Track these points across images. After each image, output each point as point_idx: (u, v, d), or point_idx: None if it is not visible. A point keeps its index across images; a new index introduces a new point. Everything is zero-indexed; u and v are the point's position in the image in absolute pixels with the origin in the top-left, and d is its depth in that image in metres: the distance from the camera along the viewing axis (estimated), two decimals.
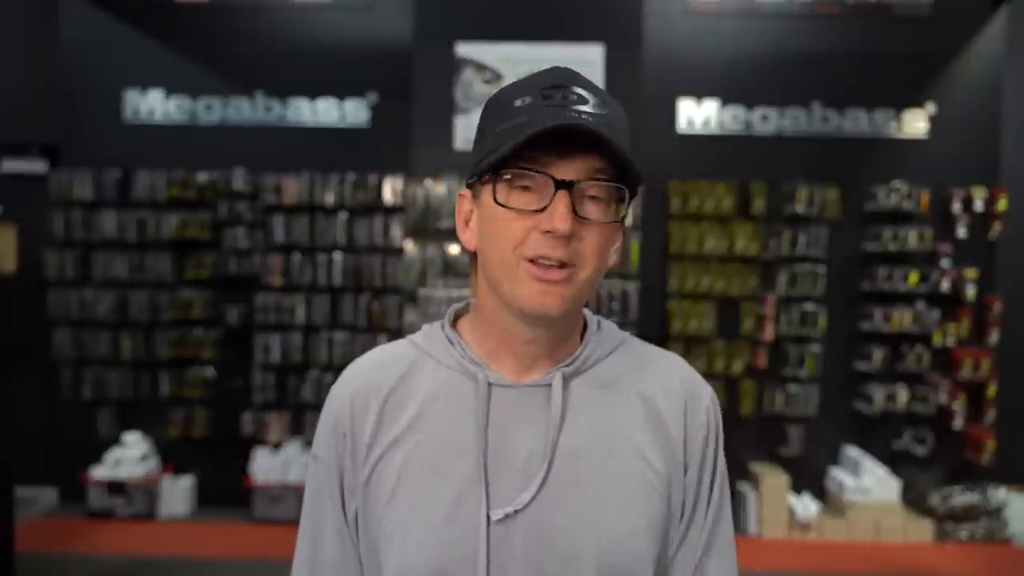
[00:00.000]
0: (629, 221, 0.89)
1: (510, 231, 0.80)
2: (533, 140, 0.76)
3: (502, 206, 0.80)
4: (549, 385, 0.86)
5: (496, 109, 0.84)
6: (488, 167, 0.80)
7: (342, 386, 0.90)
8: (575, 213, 0.78)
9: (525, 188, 0.79)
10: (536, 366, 0.87)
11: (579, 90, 0.80)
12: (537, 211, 0.78)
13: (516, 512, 0.81)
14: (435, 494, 0.82)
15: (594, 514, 0.82)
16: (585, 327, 0.93)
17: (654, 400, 0.88)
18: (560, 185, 0.77)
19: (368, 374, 0.89)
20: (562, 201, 0.77)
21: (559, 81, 0.81)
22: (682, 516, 0.87)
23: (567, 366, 0.87)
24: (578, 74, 0.84)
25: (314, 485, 0.90)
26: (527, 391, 0.86)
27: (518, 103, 0.81)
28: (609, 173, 0.79)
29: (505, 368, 0.87)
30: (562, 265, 0.79)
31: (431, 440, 0.84)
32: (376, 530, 0.84)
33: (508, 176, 0.79)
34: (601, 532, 0.81)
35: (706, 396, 0.91)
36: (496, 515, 0.81)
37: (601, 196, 0.80)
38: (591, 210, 0.80)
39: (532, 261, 0.79)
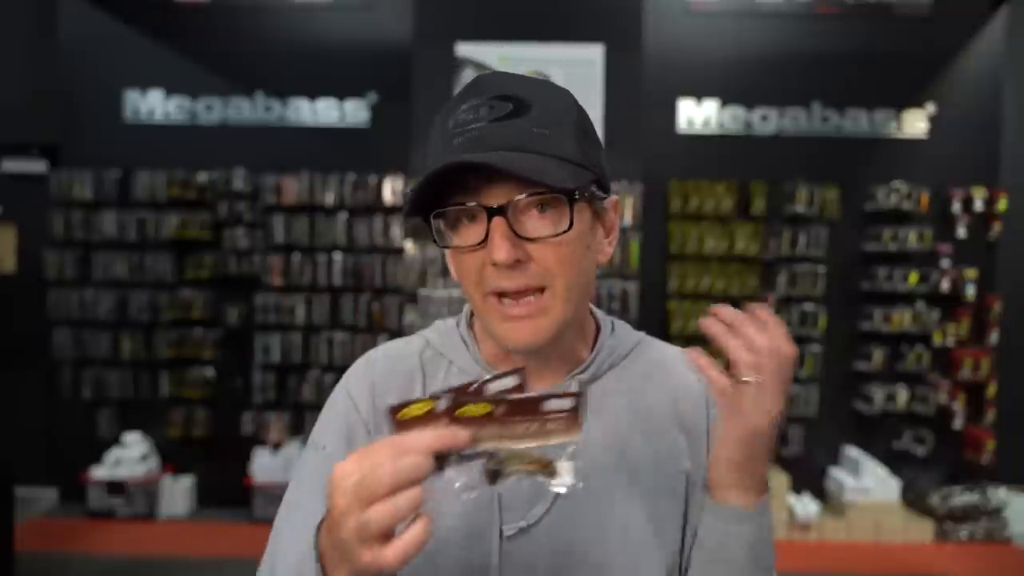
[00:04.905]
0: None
1: (466, 268, 0.76)
2: (452, 170, 0.70)
3: (444, 247, 0.76)
4: None
5: (433, 135, 0.78)
6: (412, 212, 0.75)
7: (360, 375, 0.87)
8: (518, 235, 0.72)
9: (470, 215, 0.74)
10: (547, 375, 0.83)
11: (500, 101, 0.73)
12: (482, 243, 0.73)
13: (530, 526, 0.78)
14: (444, 506, 0.76)
15: (616, 523, 0.79)
16: (598, 330, 0.89)
17: (673, 401, 0.85)
18: (492, 212, 0.71)
19: (384, 368, 0.87)
20: (498, 230, 0.71)
21: (481, 93, 0.75)
22: None
23: (581, 373, 0.84)
24: (503, 80, 0.77)
25: (314, 475, 0.83)
26: None
27: (450, 124, 0.75)
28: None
29: None
30: (528, 290, 0.74)
31: None
32: None
33: (439, 216, 0.75)
34: (626, 541, 0.79)
35: None
36: (509, 530, 0.78)
37: (549, 205, 0.73)
38: (538, 226, 0.73)
39: (496, 294, 0.75)
